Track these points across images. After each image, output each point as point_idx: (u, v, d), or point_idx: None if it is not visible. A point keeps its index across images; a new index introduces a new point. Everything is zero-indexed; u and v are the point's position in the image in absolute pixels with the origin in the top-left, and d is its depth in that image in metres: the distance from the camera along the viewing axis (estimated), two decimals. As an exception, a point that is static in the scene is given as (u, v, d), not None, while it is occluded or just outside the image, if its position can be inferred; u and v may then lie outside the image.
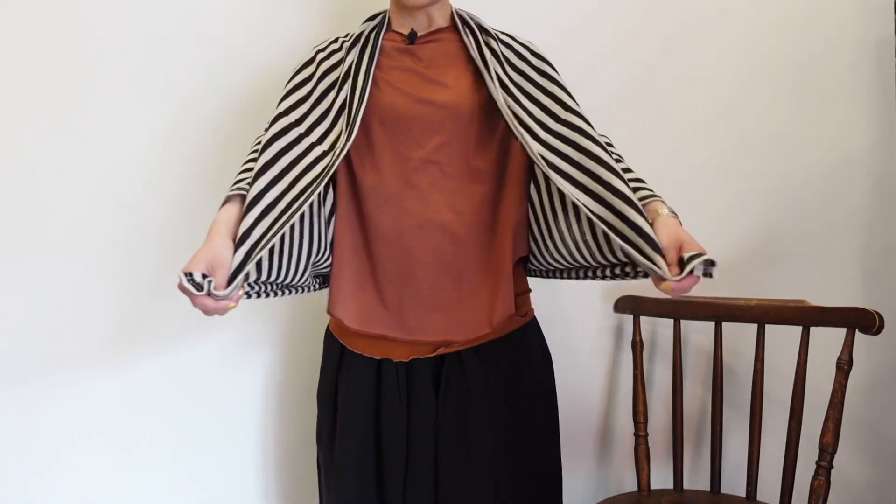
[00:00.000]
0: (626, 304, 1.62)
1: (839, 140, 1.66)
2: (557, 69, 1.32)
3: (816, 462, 1.33)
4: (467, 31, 1.29)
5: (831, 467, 1.32)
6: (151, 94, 1.58)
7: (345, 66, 1.26)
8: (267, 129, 1.20)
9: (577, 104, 1.24)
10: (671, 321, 1.56)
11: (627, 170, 1.22)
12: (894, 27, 1.63)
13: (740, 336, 1.61)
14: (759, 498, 1.47)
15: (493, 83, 1.21)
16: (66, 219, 1.57)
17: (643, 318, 1.61)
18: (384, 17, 1.32)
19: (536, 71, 1.28)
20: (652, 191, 1.19)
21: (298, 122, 1.21)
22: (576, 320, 1.68)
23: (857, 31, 1.65)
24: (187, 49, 1.58)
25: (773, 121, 1.66)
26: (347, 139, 1.18)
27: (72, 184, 1.57)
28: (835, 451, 1.32)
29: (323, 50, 1.31)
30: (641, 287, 1.66)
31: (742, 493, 1.50)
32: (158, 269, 1.59)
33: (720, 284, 1.65)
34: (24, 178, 1.56)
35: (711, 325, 1.52)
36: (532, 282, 1.37)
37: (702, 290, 1.63)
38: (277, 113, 1.22)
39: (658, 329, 1.69)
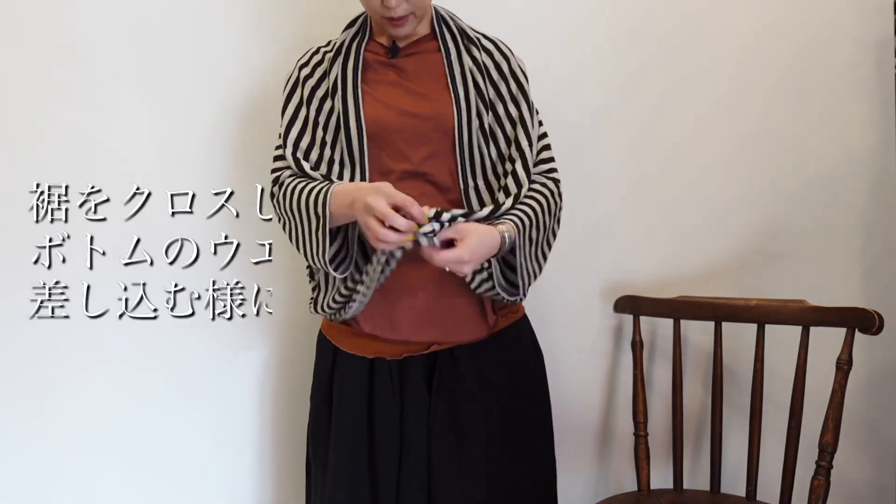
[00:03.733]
0: (626, 304, 1.62)
1: (839, 140, 1.66)
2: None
3: (816, 462, 1.33)
4: (448, 39, 1.29)
5: (831, 467, 1.32)
6: (148, 94, 1.58)
7: (330, 80, 1.27)
8: (293, 173, 1.26)
9: (531, 145, 1.27)
10: (671, 321, 1.56)
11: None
12: (894, 27, 1.62)
13: (740, 336, 1.61)
14: (758, 498, 1.47)
15: (462, 108, 1.24)
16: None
17: (643, 318, 1.61)
18: (364, 22, 1.32)
19: (511, 98, 1.29)
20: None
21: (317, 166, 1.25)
22: (576, 320, 1.68)
23: (857, 31, 1.65)
24: (185, 48, 1.58)
25: (772, 121, 1.66)
26: (351, 168, 1.23)
27: (69, 182, 1.57)
28: (834, 450, 1.32)
29: (306, 65, 1.31)
30: (641, 287, 1.66)
31: (742, 493, 1.50)
32: (156, 267, 1.59)
33: (720, 284, 1.66)
34: (19, 176, 1.56)
35: (711, 325, 1.52)
36: (532, 283, 1.37)
37: (702, 289, 1.64)
38: (295, 157, 1.25)
39: (658, 329, 1.69)
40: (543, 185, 1.29)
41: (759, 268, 1.67)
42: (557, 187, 1.32)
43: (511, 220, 1.21)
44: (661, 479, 1.63)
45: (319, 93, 1.28)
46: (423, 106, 1.25)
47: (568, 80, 1.66)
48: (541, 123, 1.34)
